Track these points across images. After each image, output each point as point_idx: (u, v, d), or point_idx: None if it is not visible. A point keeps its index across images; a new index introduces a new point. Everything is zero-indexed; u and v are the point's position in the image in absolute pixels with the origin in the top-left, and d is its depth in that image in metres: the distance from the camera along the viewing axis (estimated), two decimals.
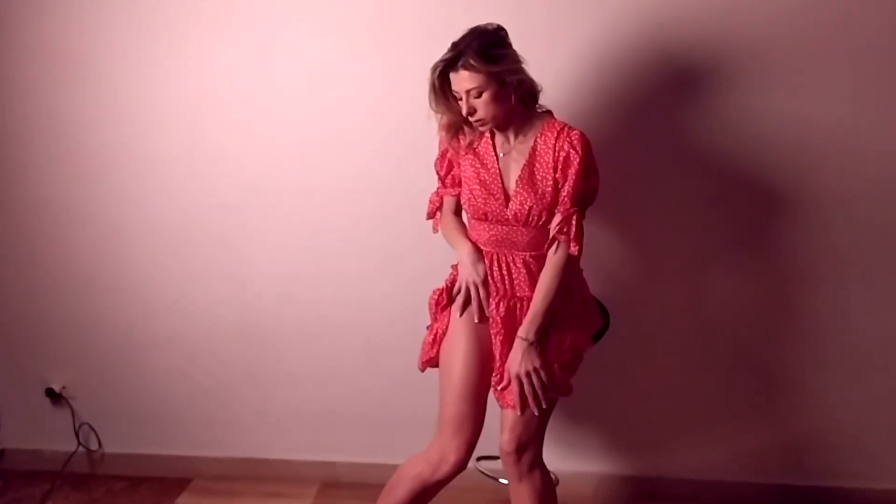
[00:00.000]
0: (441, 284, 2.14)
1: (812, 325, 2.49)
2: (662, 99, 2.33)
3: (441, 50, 2.28)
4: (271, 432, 2.74)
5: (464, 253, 2.02)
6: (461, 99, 1.87)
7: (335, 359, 2.65)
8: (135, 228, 2.60)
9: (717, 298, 2.50)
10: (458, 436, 1.98)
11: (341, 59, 2.41)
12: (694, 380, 2.57)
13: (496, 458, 2.40)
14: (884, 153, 2.34)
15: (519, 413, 1.93)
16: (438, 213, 2.14)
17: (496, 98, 1.86)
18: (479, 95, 1.85)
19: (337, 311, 2.60)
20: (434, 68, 1.88)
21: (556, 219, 1.94)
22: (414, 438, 2.62)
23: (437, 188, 2.13)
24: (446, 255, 2.32)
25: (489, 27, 1.87)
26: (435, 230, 2.16)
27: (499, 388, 1.97)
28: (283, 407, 2.71)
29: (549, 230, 1.96)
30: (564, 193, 1.92)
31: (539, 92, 1.98)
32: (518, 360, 1.92)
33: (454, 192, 2.08)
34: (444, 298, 2.07)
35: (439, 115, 1.96)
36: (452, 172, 2.06)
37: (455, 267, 2.10)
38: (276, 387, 2.70)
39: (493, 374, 2.00)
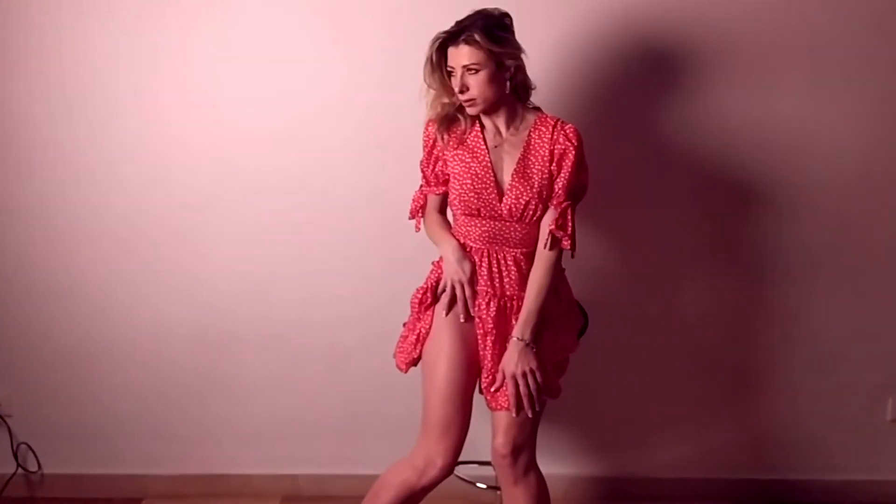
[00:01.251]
0: (413, 281, 2.08)
1: (779, 322, 2.54)
2: (640, 97, 2.34)
3: (407, 42, 2.27)
4: (228, 446, 2.60)
5: (448, 250, 1.95)
6: (453, 76, 1.83)
7: (297, 365, 2.54)
8: (77, 229, 2.44)
9: (688, 298, 2.52)
10: (444, 439, 1.90)
11: (304, 51, 2.33)
12: (663, 380, 2.57)
13: (473, 462, 2.36)
14: (853, 150, 2.40)
15: (514, 415, 1.87)
16: (421, 212, 2.07)
17: (492, 80, 1.82)
18: (475, 73, 1.81)
19: (299, 314, 2.50)
20: (434, 40, 1.84)
21: (550, 214, 1.90)
22: (381, 447, 2.58)
23: (421, 186, 2.07)
24: (414, 253, 2.26)
25: (495, 11, 1.85)
26: (417, 229, 2.10)
27: (492, 389, 1.91)
28: (241, 418, 2.58)
29: (540, 226, 1.92)
30: (559, 186, 1.89)
31: (532, 88, 1.94)
32: (514, 361, 1.87)
33: (439, 190, 2.03)
34: (429, 297, 1.99)
35: (430, 107, 1.92)
36: (437, 170, 2.00)
37: (438, 264, 2.03)
38: (233, 397, 2.56)
39: (484, 376, 1.93)
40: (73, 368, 2.53)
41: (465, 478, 2.39)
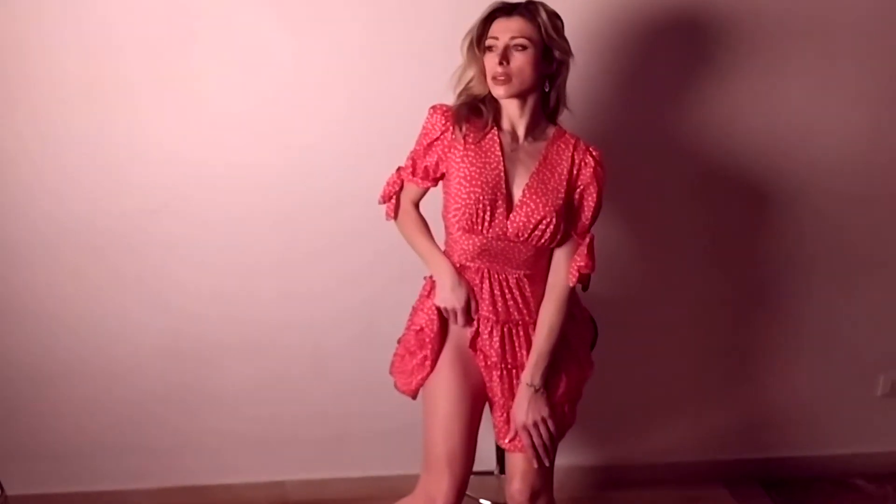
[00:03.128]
0: (394, 279, 2.10)
1: (773, 307, 2.50)
2: (639, 91, 2.22)
3: (390, 27, 2.09)
4: (212, 455, 2.47)
5: (443, 274, 1.78)
6: (493, 49, 1.65)
7: (280, 369, 2.41)
8: (34, 240, 2.23)
9: (685, 287, 2.45)
10: (446, 477, 1.74)
11: (278, 39, 2.12)
12: (658, 368, 2.52)
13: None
14: (855, 140, 2.32)
15: (534, 465, 1.77)
16: (395, 198, 1.87)
17: (535, 64, 1.65)
18: (521, 50, 1.63)
19: (280, 317, 2.35)
20: (483, 17, 1.68)
21: (570, 246, 1.76)
22: (368, 449, 2.52)
23: (399, 170, 1.85)
24: (395, 251, 2.11)
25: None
26: (389, 216, 1.89)
27: (506, 440, 1.79)
28: (224, 426, 2.44)
29: (547, 250, 1.77)
30: (585, 218, 1.75)
31: (566, 106, 1.77)
32: (525, 410, 1.74)
33: (423, 185, 1.82)
34: (437, 325, 1.81)
35: (458, 86, 1.74)
36: (430, 164, 1.78)
37: (428, 278, 1.87)
38: (215, 405, 2.42)
39: (498, 414, 1.81)
40: (35, 388, 2.35)
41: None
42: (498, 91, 1.68)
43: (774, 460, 2.63)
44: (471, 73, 1.71)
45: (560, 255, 1.77)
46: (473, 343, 1.81)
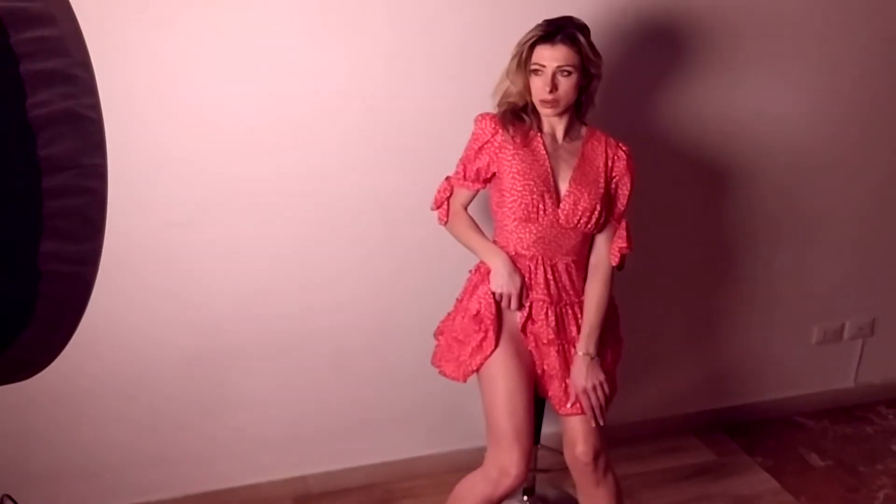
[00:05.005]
0: (416, 281, 2.24)
1: (729, 273, 2.84)
2: (620, 91, 2.42)
3: (411, 35, 2.25)
4: (234, 459, 2.53)
5: (499, 262, 1.97)
6: (539, 74, 1.85)
7: (301, 371, 2.50)
8: None
9: (652, 259, 2.67)
10: (514, 448, 1.94)
11: (299, 49, 2.20)
12: (631, 335, 2.76)
13: None
14: (800, 130, 2.68)
15: (594, 424, 1.99)
16: (446, 204, 2.06)
17: (577, 84, 1.87)
18: (567, 75, 1.84)
19: (302, 323, 2.44)
20: (527, 40, 1.86)
21: (609, 231, 2.01)
22: (387, 436, 2.65)
23: (449, 178, 2.05)
24: (416, 254, 2.28)
25: (579, 21, 1.88)
26: (441, 221, 2.08)
27: (567, 405, 2.00)
28: (245, 430, 2.50)
29: (590, 237, 2.01)
30: (622, 205, 2.00)
31: (594, 105, 1.99)
32: (584, 375, 1.97)
33: (474, 187, 2.02)
34: (494, 308, 1.99)
35: (500, 103, 1.93)
36: (481, 166, 1.97)
37: (480, 272, 2.06)
38: (235, 410, 2.48)
39: (557, 385, 2.02)
40: (53, 409, 2.32)
41: None
42: (546, 111, 1.91)
43: (734, 408, 3.00)
44: (514, 89, 1.92)
45: (601, 239, 2.03)
46: (524, 327, 2.01)
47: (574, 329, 2.02)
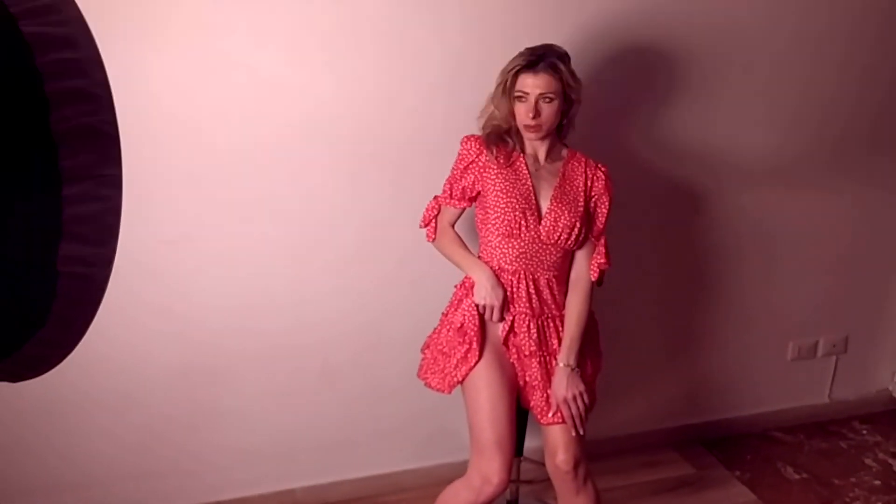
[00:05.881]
0: (402, 294, 2.30)
1: (707, 292, 2.92)
2: (600, 116, 2.51)
3: (399, 60, 2.33)
4: (223, 472, 2.56)
5: (483, 276, 2.05)
6: (522, 101, 1.94)
7: (289, 385, 2.55)
8: None
9: (634, 278, 2.79)
10: (497, 457, 2.00)
11: (289, 73, 2.28)
12: (614, 351, 2.84)
13: None
14: (770, 153, 2.79)
15: (574, 434, 2.05)
16: (434, 222, 2.15)
17: (557, 111, 1.97)
18: (549, 102, 1.94)
19: (290, 338, 2.49)
20: (511, 68, 1.94)
21: (589, 248, 2.11)
22: (375, 449, 2.69)
23: (436, 198, 2.14)
24: (402, 267, 2.34)
25: (559, 48, 1.98)
26: (430, 238, 2.17)
27: (549, 415, 2.06)
28: (233, 443, 2.55)
29: (570, 254, 2.10)
30: (601, 223, 2.09)
31: (572, 128, 2.09)
32: (564, 386, 2.04)
33: (460, 205, 2.11)
34: (478, 321, 2.07)
35: (484, 127, 2.02)
36: (467, 185, 2.07)
37: (460, 287, 2.14)
38: (225, 423, 2.53)
39: (539, 396, 2.08)
40: (51, 418, 2.36)
41: None
42: (530, 136, 2.02)
43: (712, 423, 3.08)
44: (499, 113, 2.02)
45: (581, 256, 2.12)
46: (507, 339, 2.08)
47: (555, 341, 2.09)
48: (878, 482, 2.85)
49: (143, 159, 2.23)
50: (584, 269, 2.12)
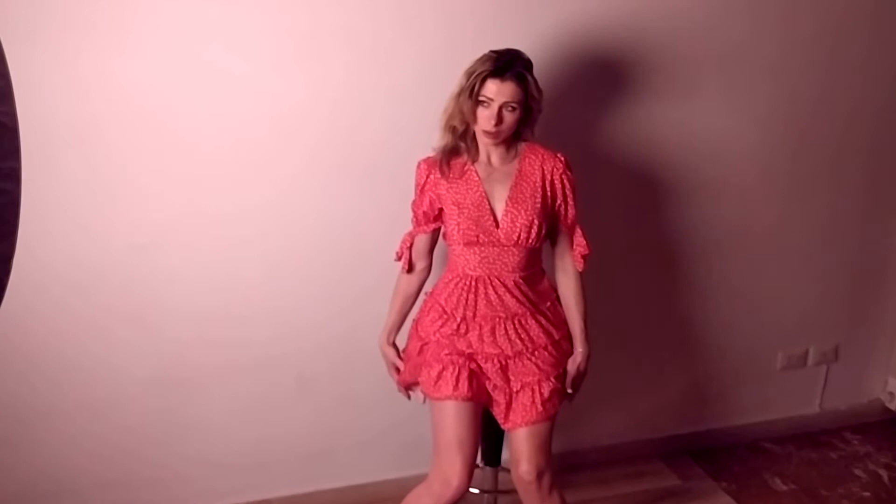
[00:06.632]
0: (378, 306, 2.26)
1: (691, 297, 2.87)
2: (580, 110, 2.51)
3: (367, 63, 2.29)
4: (196, 482, 2.53)
5: (381, 334, 2.24)
6: (485, 106, 1.93)
7: (265, 396, 2.51)
8: (17, 277, 2.17)
9: (618, 283, 2.74)
10: (456, 458, 1.99)
11: (265, 78, 2.24)
12: (599, 354, 2.80)
13: None
14: (756, 148, 2.74)
15: (537, 441, 2.03)
16: (408, 253, 2.16)
17: (517, 119, 1.97)
18: (512, 111, 1.93)
19: (266, 346, 2.46)
20: (479, 71, 1.92)
21: (565, 239, 2.13)
22: (353, 459, 2.66)
23: (409, 231, 2.16)
24: (378, 279, 2.30)
25: (525, 55, 1.97)
26: (405, 270, 2.18)
27: (507, 424, 2.06)
28: (207, 453, 2.51)
29: (538, 252, 2.08)
30: (570, 214, 2.08)
31: (532, 133, 2.09)
32: (575, 365, 2.14)
33: (429, 228, 2.12)
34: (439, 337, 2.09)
35: (444, 132, 2.02)
36: (427, 208, 2.09)
37: (429, 295, 2.16)
38: (198, 432, 2.49)
39: (501, 401, 2.05)
40: (17, 425, 2.33)
41: None
42: (487, 141, 2.01)
43: (699, 433, 3.02)
44: (457, 114, 1.99)
45: (561, 250, 2.16)
46: (471, 345, 2.05)
47: (518, 342, 2.05)
48: (867, 493, 2.79)
49: (113, 163, 2.22)
50: (568, 261, 2.15)
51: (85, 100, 2.15)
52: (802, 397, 3.14)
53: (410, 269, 2.18)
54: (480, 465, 2.50)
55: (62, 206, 2.21)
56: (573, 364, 2.15)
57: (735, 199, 2.78)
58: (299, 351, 2.50)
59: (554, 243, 2.17)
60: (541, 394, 2.04)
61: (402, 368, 2.21)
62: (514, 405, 2.05)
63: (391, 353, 2.22)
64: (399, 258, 2.18)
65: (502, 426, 2.09)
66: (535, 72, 2.29)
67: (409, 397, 2.25)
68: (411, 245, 2.16)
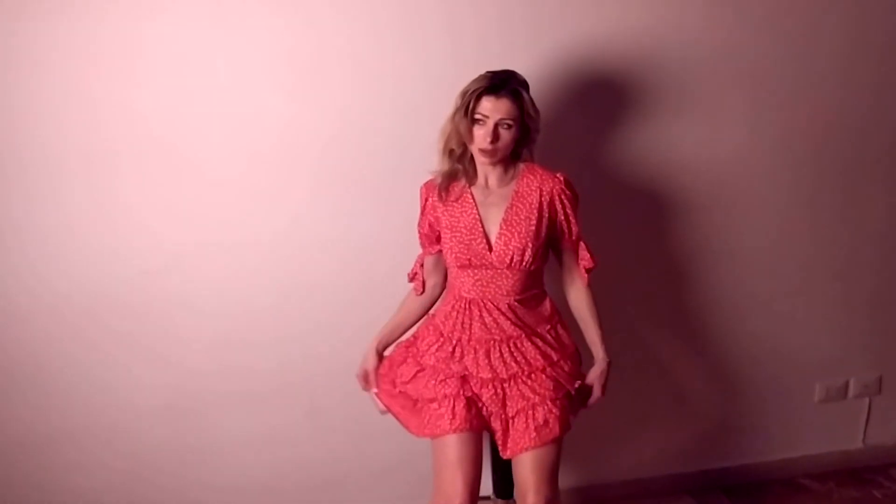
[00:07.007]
0: None
1: (721, 325, 2.75)
2: (598, 131, 2.45)
3: (374, 88, 2.28)
4: None
5: (372, 339, 2.19)
6: (481, 124, 1.92)
7: (277, 424, 2.49)
8: (19, 308, 2.27)
9: (643, 314, 2.66)
10: (457, 476, 1.94)
11: (266, 101, 2.25)
12: (624, 383, 2.70)
13: None
14: (782, 168, 2.63)
15: (544, 473, 1.96)
16: (421, 274, 2.17)
17: (514, 138, 1.96)
18: (507, 128, 1.92)
19: (278, 374, 2.45)
20: (474, 89, 1.92)
21: (569, 255, 2.11)
22: (363, 489, 2.62)
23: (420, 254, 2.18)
24: (389, 308, 2.26)
25: (521, 76, 1.96)
26: (418, 292, 2.19)
27: (507, 452, 2.00)
28: (217, 481, 2.50)
29: (537, 274, 2.05)
30: (573, 231, 2.05)
31: (531, 155, 2.08)
32: (597, 377, 2.11)
33: (433, 250, 2.12)
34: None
35: (443, 155, 2.02)
36: (428, 231, 2.10)
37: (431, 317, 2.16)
38: (209, 460, 2.49)
39: (499, 427, 2.00)
40: (20, 459, 2.37)
41: None
42: (483, 160, 1.99)
43: (732, 468, 2.88)
44: (455, 134, 1.99)
45: (570, 267, 2.14)
46: (466, 368, 2.02)
47: (514, 364, 2.01)
48: None
49: (124, 190, 2.25)
50: (576, 276, 2.13)
51: (97, 128, 2.19)
52: (844, 431, 2.97)
53: (423, 290, 2.18)
54: (492, 497, 2.43)
55: (74, 233, 2.24)
56: (595, 372, 2.11)
57: (763, 220, 2.66)
58: (311, 379, 2.48)
59: (561, 261, 2.14)
60: (535, 419, 1.97)
61: (371, 381, 2.18)
62: (510, 432, 1.99)
63: (372, 361, 2.18)
64: (412, 279, 2.18)
65: (501, 454, 2.02)
66: (543, 92, 2.27)
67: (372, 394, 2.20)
68: (422, 265, 2.17)
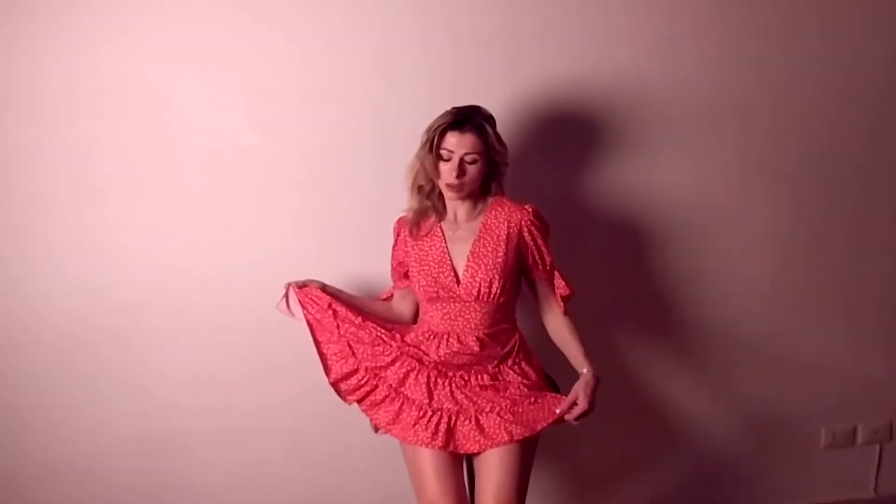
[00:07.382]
0: None
1: (719, 374, 2.67)
2: (580, 165, 2.43)
3: (367, 128, 2.30)
4: None
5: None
6: (447, 160, 1.93)
7: (256, 460, 2.47)
8: (7, 336, 2.30)
9: (628, 355, 2.60)
10: (446, 496, 1.92)
11: (248, 138, 2.27)
12: (617, 429, 2.63)
13: None
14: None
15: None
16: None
17: (481, 172, 1.96)
18: (472, 163, 1.93)
19: (258, 410, 2.42)
20: (437, 126, 1.93)
21: (544, 286, 2.07)
22: None
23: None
24: None
25: (486, 111, 1.98)
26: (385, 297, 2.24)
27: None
28: None
29: (506, 306, 2.03)
30: (546, 260, 2.03)
31: (501, 189, 2.07)
32: (583, 392, 1.97)
33: (402, 285, 2.14)
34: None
35: (412, 192, 2.03)
36: (397, 266, 2.13)
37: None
38: (185, 499, 2.46)
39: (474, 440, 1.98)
40: (6, 488, 2.37)
41: None
42: (451, 195, 2.00)
43: None
44: (422, 170, 2.00)
45: (545, 295, 2.09)
46: (431, 395, 2.01)
47: (510, 374, 2.03)
48: None
49: (105, 224, 2.28)
50: (553, 304, 2.09)
51: (79, 163, 2.23)
52: (854, 480, 2.83)
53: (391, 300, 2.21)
54: None
55: (55, 266, 2.28)
56: (580, 384, 1.99)
57: (762, 258, 2.60)
58: (292, 414, 2.45)
59: (536, 294, 2.11)
60: (499, 416, 1.96)
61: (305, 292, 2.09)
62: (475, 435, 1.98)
63: (316, 283, 2.12)
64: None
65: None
66: (520, 126, 2.25)
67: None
68: (390, 297, 2.21)
